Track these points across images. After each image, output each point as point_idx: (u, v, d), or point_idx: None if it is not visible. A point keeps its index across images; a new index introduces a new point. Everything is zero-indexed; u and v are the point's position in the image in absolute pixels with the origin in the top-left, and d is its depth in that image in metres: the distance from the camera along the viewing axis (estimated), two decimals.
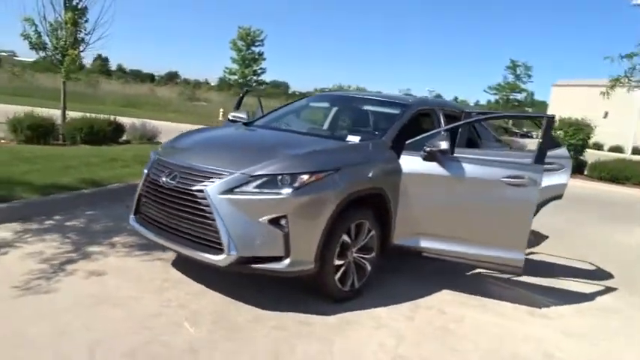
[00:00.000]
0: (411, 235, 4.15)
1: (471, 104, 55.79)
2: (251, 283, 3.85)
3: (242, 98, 5.95)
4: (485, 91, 43.79)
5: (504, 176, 3.93)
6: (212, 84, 63.18)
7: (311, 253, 3.36)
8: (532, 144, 15.67)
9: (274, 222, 3.24)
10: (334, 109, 5.43)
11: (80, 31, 11.54)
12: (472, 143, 5.43)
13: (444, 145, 3.91)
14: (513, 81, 43.01)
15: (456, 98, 76.22)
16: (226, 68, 26.57)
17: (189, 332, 3.06)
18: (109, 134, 11.35)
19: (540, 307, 4.19)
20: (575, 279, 5.10)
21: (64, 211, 5.36)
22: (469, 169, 4.02)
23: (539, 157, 3.95)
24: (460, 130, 4.83)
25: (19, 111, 10.33)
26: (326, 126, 5.32)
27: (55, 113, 11.30)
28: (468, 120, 4.77)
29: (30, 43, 11.34)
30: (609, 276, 5.41)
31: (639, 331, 4.00)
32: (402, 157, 4.08)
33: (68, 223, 5.03)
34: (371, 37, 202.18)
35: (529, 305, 4.20)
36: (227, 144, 4.17)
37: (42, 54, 11.58)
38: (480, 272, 4.93)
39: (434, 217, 4.10)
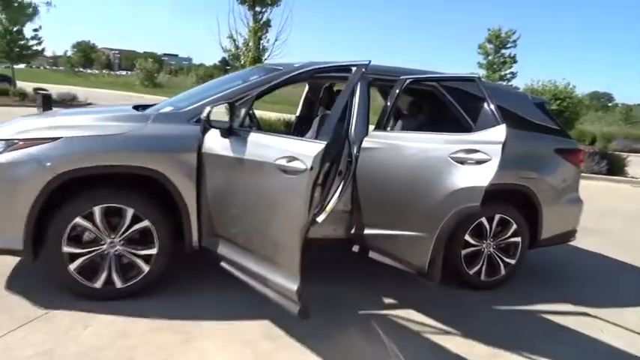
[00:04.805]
0: (213, 235, 3.15)
1: None
2: None
3: None
4: None
5: (278, 157, 2.58)
6: None
7: (15, 232, 2.93)
8: None
9: None
10: None
11: (262, 41, 12.85)
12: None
13: (204, 114, 2.89)
14: None
15: None
16: (472, 74, 24.93)
17: None
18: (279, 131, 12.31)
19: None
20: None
21: None
22: (250, 148, 2.81)
23: (324, 131, 2.44)
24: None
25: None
26: None
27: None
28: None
29: (230, 55, 13.28)
30: None
31: None
32: (209, 132, 3.12)
33: None
34: None
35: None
36: None
37: (237, 64, 13.44)
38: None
39: (226, 214, 3.03)
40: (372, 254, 3.45)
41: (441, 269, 3.12)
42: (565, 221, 4.21)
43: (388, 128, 3.93)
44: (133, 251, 3.14)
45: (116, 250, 3.11)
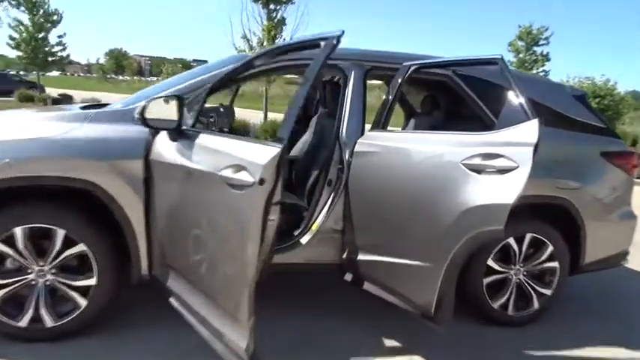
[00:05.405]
0: (164, 265, 2.52)
1: None
2: None
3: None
4: None
5: (224, 167, 1.92)
6: None
7: None
8: None
9: None
10: None
11: (277, 40, 12.25)
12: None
13: (137, 111, 2.29)
14: None
15: None
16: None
17: None
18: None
19: None
20: None
21: None
22: (198, 154, 2.18)
23: (281, 130, 1.78)
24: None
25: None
26: None
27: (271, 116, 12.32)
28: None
29: None
30: None
31: None
32: (160, 135, 2.50)
33: None
34: None
35: None
36: None
37: None
38: None
39: (174, 240, 2.40)
40: (367, 286, 2.76)
41: (460, 301, 2.42)
42: (614, 241, 3.41)
43: (398, 128, 3.24)
44: (67, 282, 2.54)
45: (46, 281, 2.52)
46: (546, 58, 22.93)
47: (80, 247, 2.50)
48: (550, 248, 3.14)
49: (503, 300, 3.11)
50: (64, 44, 24.37)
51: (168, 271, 2.46)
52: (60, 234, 2.47)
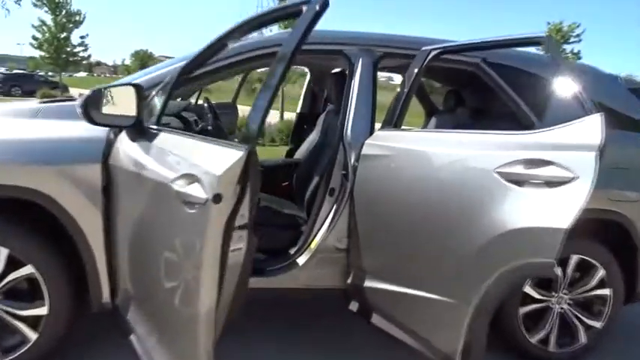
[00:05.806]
0: (127, 293, 2.08)
1: None
2: None
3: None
4: None
5: (175, 177, 1.45)
6: None
7: None
8: None
9: None
10: None
11: None
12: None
13: (78, 102, 1.86)
14: None
15: None
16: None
17: None
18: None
19: None
20: None
21: None
22: (154, 158, 1.71)
23: (250, 122, 1.30)
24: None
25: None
26: None
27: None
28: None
29: None
30: None
31: None
32: (121, 134, 2.06)
33: None
34: None
35: None
36: None
37: None
38: None
39: (133, 265, 1.94)
40: (375, 319, 2.26)
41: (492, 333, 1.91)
42: None
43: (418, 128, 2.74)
44: (13, 311, 2.11)
45: None
46: (577, 56, 22.08)
47: (28, 270, 2.08)
48: (601, 272, 2.60)
49: (542, 334, 2.59)
50: (86, 45, 24.53)
51: (130, 300, 2.01)
52: (2, 253, 2.05)
